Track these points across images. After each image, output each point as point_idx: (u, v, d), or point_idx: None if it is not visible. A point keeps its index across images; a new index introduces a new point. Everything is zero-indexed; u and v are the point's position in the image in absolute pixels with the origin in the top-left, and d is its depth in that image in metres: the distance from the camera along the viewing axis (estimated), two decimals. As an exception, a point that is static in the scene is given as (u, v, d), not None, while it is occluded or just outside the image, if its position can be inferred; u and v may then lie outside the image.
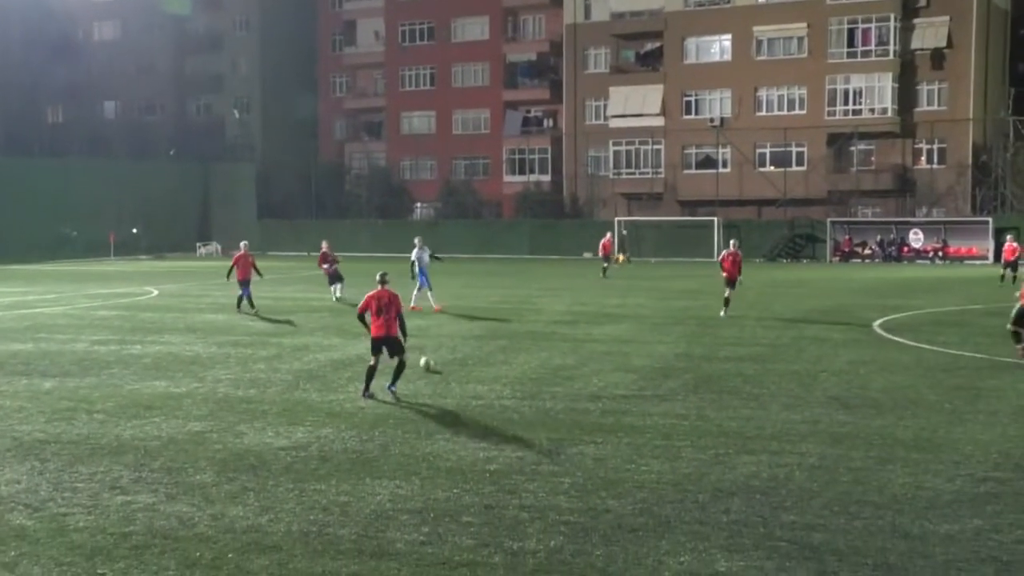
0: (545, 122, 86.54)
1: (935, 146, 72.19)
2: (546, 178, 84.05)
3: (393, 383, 17.28)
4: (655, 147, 79.22)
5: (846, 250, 64.10)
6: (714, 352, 22.42)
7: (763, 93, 76.54)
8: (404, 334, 17.37)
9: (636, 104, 79.39)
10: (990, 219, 62.60)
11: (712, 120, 75.92)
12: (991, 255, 59.44)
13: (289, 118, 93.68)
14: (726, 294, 29.63)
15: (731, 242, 30.92)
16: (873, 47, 72.89)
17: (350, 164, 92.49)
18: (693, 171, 78.23)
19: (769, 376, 19.08)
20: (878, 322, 27.25)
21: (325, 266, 36.13)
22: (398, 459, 12.94)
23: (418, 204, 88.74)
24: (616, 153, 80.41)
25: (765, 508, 10.71)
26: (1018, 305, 20.87)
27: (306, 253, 72.13)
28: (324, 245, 36.82)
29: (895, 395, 17.08)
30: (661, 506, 10.84)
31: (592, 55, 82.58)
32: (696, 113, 78.38)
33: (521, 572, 9.00)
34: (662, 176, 78.66)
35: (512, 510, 10.74)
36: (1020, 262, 40.49)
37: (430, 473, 12.23)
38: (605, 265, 49.60)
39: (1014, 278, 38.79)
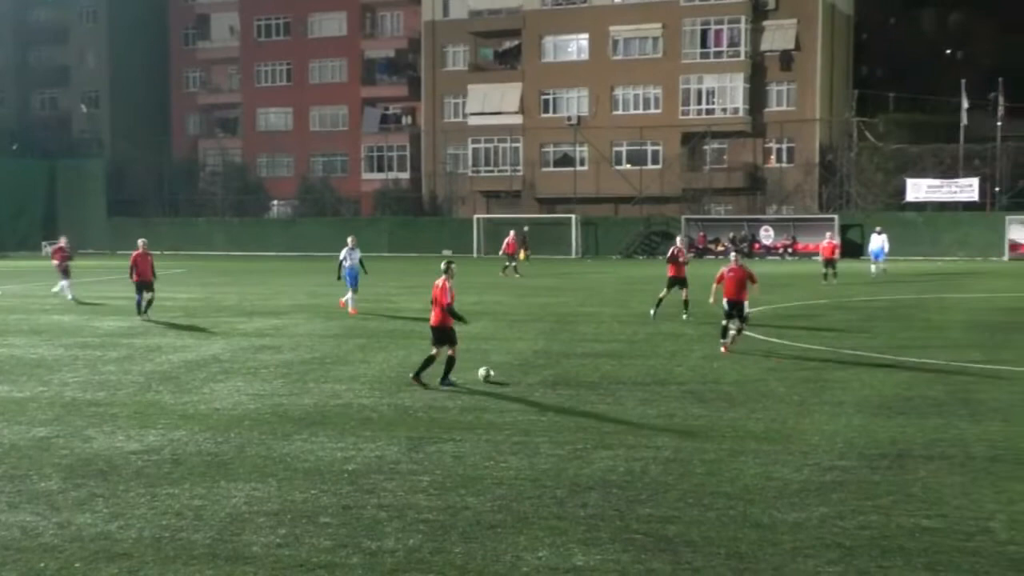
0: (404, 119, 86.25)
1: (784, 145, 74.35)
2: (405, 175, 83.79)
3: (444, 378, 17.71)
4: (513, 145, 79.70)
5: (700, 247, 65.51)
6: (572, 348, 22.65)
7: (619, 92, 77.69)
8: (459, 318, 17.82)
9: (495, 102, 79.74)
10: (836, 216, 64.73)
11: (570, 118, 76.70)
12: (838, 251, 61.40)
13: (140, 113, 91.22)
14: (660, 295, 28.12)
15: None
16: (725, 48, 74.69)
17: (204, 161, 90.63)
18: (551, 169, 78.97)
19: (626, 371, 19.37)
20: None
21: (56, 262, 35.00)
22: (254, 461, 12.73)
23: (275, 202, 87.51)
24: (475, 151, 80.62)
25: (621, 501, 10.86)
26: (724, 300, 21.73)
27: (159, 252, 70.37)
28: (62, 240, 35.99)
29: (747, 388, 17.52)
30: (520, 502, 10.89)
31: (451, 52, 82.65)
32: (554, 111, 79.12)
33: (379, 572, 8.94)
34: (520, 174, 79.21)
35: (371, 510, 10.66)
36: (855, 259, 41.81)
37: (287, 474, 12.06)
38: (508, 264, 48.75)
39: (834, 274, 39.99)
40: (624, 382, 18.21)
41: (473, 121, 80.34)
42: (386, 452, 13.12)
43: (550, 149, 79.49)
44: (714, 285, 22.27)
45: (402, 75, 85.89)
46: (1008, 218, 62.19)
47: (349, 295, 30.27)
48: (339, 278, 30.63)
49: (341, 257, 30.62)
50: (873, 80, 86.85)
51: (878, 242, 44.74)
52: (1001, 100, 67.23)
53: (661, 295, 28.20)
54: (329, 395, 17.14)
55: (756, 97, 74.45)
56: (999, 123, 66.98)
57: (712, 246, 65.74)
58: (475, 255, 68.55)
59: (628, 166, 75.71)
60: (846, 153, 70.80)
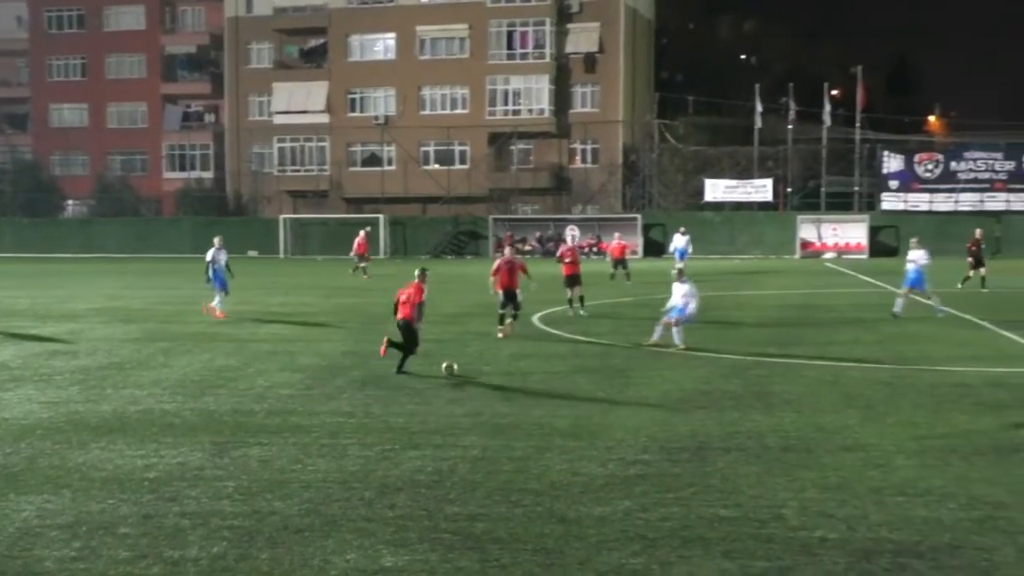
0: (207, 117, 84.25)
1: (589, 146, 75.89)
2: (208, 175, 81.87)
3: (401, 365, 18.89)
4: (320, 144, 78.92)
5: (507, 246, 66.02)
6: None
7: (427, 92, 77.85)
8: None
9: (301, 101, 78.76)
10: (639, 216, 66.45)
11: (377, 118, 76.46)
12: (640, 250, 63.17)
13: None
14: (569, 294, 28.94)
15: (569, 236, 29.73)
16: (531, 50, 75.75)
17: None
18: (359, 168, 78.53)
19: (434, 371, 19.36)
20: (537, 316, 28.26)
21: None
22: (47, 472, 12.18)
23: (70, 201, 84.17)
24: (281, 150, 79.46)
25: (430, 501, 10.86)
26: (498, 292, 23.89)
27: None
28: None
29: (553, 385, 17.78)
30: (328, 505, 10.77)
31: (255, 50, 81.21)
32: (361, 111, 78.69)
33: (182, 582, 8.69)
34: (327, 173, 78.47)
35: (173, 518, 10.35)
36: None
37: (83, 484, 11.60)
38: (358, 265, 47.64)
39: (627, 275, 40.45)
40: (432, 381, 18.23)
41: (279, 120, 79.14)
42: (189, 458, 12.77)
43: (357, 149, 79.02)
44: (491, 278, 24.56)
45: (204, 72, 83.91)
46: (799, 217, 65.04)
47: (217, 299, 29.10)
48: (208, 281, 29.47)
49: (208, 259, 29.41)
50: (673, 83, 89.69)
51: (681, 241, 46.01)
52: (792, 104, 70.26)
53: (568, 295, 29.24)
54: (129, 401, 16.56)
55: (561, 98, 75.77)
56: (790, 126, 70.00)
57: (519, 245, 66.48)
58: (281, 256, 67.45)
59: (436, 166, 75.92)
60: (648, 154, 72.74)
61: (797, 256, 62.97)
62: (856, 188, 68.01)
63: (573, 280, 28.87)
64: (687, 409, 15.62)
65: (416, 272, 19.87)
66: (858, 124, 69.43)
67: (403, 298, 19.45)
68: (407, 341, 19.33)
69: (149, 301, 34.65)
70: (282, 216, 71.29)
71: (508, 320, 24.31)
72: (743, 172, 68.94)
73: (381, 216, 68.57)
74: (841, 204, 67.36)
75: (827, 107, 69.87)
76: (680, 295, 21.94)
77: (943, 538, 9.56)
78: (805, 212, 66.25)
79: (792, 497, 10.89)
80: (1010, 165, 64.04)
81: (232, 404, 16.26)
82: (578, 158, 76.43)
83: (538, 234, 67.37)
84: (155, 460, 12.68)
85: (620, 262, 40.89)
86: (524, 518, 10.29)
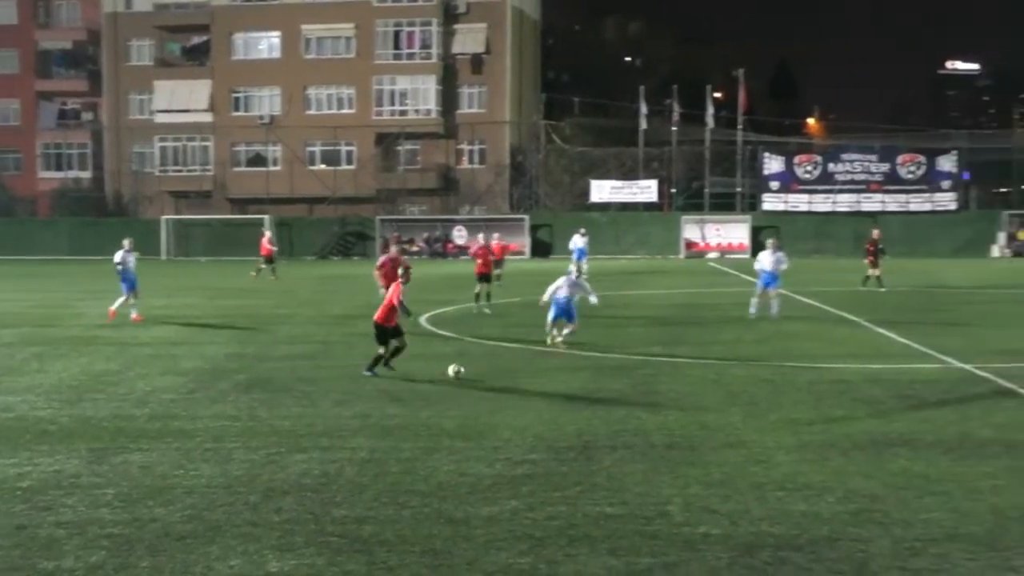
0: (84, 115, 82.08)
1: (476, 147, 76.04)
2: (87, 174, 79.85)
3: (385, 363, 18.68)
4: (203, 144, 77.65)
5: (394, 244, 65.72)
6: (267, 351, 22.25)
7: (312, 92, 77.13)
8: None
9: (183, 99, 77.34)
10: (527, 216, 66.75)
11: (262, 117, 75.49)
12: (528, 251, 63.50)
13: None
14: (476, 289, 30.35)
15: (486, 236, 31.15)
16: (417, 50, 75.60)
17: None
18: (243, 169, 77.45)
19: (321, 373, 19.20)
20: (425, 316, 28.19)
21: None
22: (-85, 482, 11.74)
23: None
24: (163, 149, 77.96)
25: (316, 505, 10.75)
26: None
27: None
28: None
29: (440, 386, 17.74)
30: (211, 510, 10.58)
31: (135, 47, 79.48)
32: (246, 110, 77.64)
33: (58, 593, 8.45)
34: (211, 173, 77.22)
35: (48, 528, 10.05)
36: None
37: (-47, 495, 11.19)
38: (262, 266, 46.59)
39: (498, 276, 39.71)
40: (319, 384, 18.05)
41: (160, 119, 77.59)
42: (66, 466, 12.41)
43: (242, 148, 77.93)
44: (375, 271, 25.69)
45: (82, 69, 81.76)
46: (683, 218, 66.08)
47: (121, 300, 28.09)
48: (123, 281, 28.38)
49: (117, 261, 28.38)
50: (560, 84, 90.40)
51: (580, 242, 46.35)
52: (676, 106, 71.35)
53: (476, 290, 30.46)
54: (0, 408, 16.05)
55: (448, 99, 75.76)
56: (674, 128, 71.07)
57: (407, 246, 66.20)
58: (163, 257, 66.06)
59: (322, 166, 75.23)
60: (535, 155, 73.15)
61: (682, 256, 63.93)
62: (738, 189, 69.33)
63: (484, 278, 30.37)
64: (574, 408, 15.73)
65: (400, 271, 20.03)
66: (740, 126, 70.83)
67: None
68: (397, 339, 18.96)
69: (23, 304, 33.65)
70: (164, 217, 69.84)
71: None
72: (628, 173, 69.75)
73: (267, 217, 67.58)
74: (724, 205, 68.62)
75: (710, 109, 71.15)
76: (567, 291, 22.04)
77: (821, 531, 9.79)
78: (689, 213, 67.33)
79: (677, 494, 11.04)
80: (885, 167, 65.93)
81: (111, 409, 15.88)
82: (465, 159, 76.50)
83: (425, 235, 67.22)
84: (29, 468, 12.31)
85: (498, 262, 40.38)
86: (412, 519, 10.25)
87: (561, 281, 22.12)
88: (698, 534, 9.72)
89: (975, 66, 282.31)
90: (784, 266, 28.14)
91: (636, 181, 68.35)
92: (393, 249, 26.81)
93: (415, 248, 65.48)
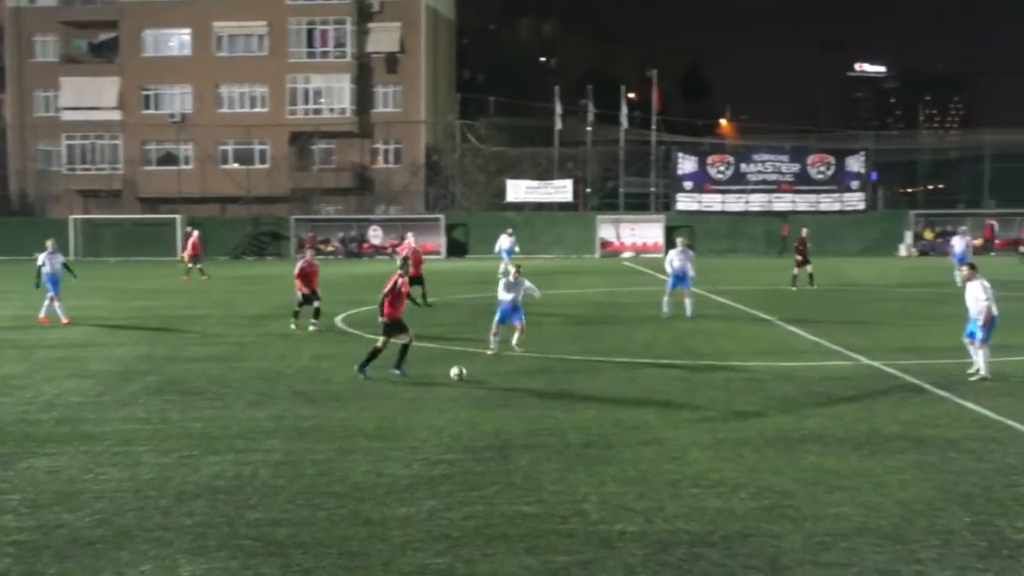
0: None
1: (391, 146, 75.68)
2: (-10, 173, 77.82)
3: (398, 366, 18.41)
4: (112, 142, 76.25)
5: (310, 247, 65.18)
6: (178, 352, 21.92)
7: (225, 90, 76.15)
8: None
9: (91, 96, 75.80)
10: (442, 216, 66.61)
11: (173, 116, 74.30)
12: (443, 251, 63.43)
13: None
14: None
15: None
16: (331, 48, 75.00)
17: None
18: (154, 168, 76.17)
19: (235, 374, 18.96)
20: (340, 317, 28.00)
21: None
22: None
23: None
24: (70, 147, 76.35)
25: (230, 508, 10.60)
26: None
27: None
28: None
29: (357, 387, 17.63)
30: (121, 515, 10.38)
31: (39, 42, 77.68)
32: (156, 108, 76.39)
33: (-38, 603, 8.22)
34: (121, 172, 75.84)
35: (-49, 536, 9.78)
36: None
37: None
38: (191, 266, 45.23)
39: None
40: (233, 385, 17.82)
41: (67, 116, 75.94)
42: (-30, 472, 12.10)
43: (152, 147, 76.63)
44: (296, 280, 25.40)
45: (-16, 65, 79.71)
46: (599, 218, 66.48)
47: (48, 303, 27.39)
48: (38, 286, 27.88)
49: (39, 263, 27.79)
50: (475, 84, 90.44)
51: (507, 242, 46.39)
52: (591, 107, 71.78)
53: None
54: (-98, 413, 15.59)
55: (363, 98, 75.29)
56: (589, 128, 71.49)
57: (322, 246, 65.74)
58: (71, 257, 64.58)
59: (235, 165, 74.31)
60: (450, 155, 73.04)
61: (597, 255, 64.30)
62: (652, 189, 69.98)
63: (416, 280, 29.81)
64: (490, 407, 15.74)
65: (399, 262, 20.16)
66: (654, 127, 71.49)
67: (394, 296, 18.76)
68: (400, 331, 18.69)
69: (-74, 306, 32.71)
70: (72, 216, 68.36)
71: (307, 319, 25.17)
72: (544, 173, 69.99)
73: (178, 216, 66.51)
74: (638, 204, 69.21)
75: (624, 110, 71.72)
76: (508, 293, 21.39)
77: (735, 527, 9.91)
78: (604, 212, 67.76)
79: (593, 492, 11.10)
80: (795, 167, 67.01)
81: (17, 413, 15.50)
82: (381, 158, 76.10)
83: (341, 235, 66.75)
84: (-68, 474, 11.97)
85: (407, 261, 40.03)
86: (327, 521, 10.16)
87: (501, 285, 21.51)
88: (614, 532, 9.78)
89: (882, 68, 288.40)
90: (690, 265, 28.02)
91: (551, 181, 68.60)
92: (308, 253, 26.71)
93: (330, 248, 64.98)
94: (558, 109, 70.96)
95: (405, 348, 18.61)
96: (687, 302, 27.77)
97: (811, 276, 36.44)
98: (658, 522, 10.07)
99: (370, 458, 12.63)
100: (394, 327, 18.52)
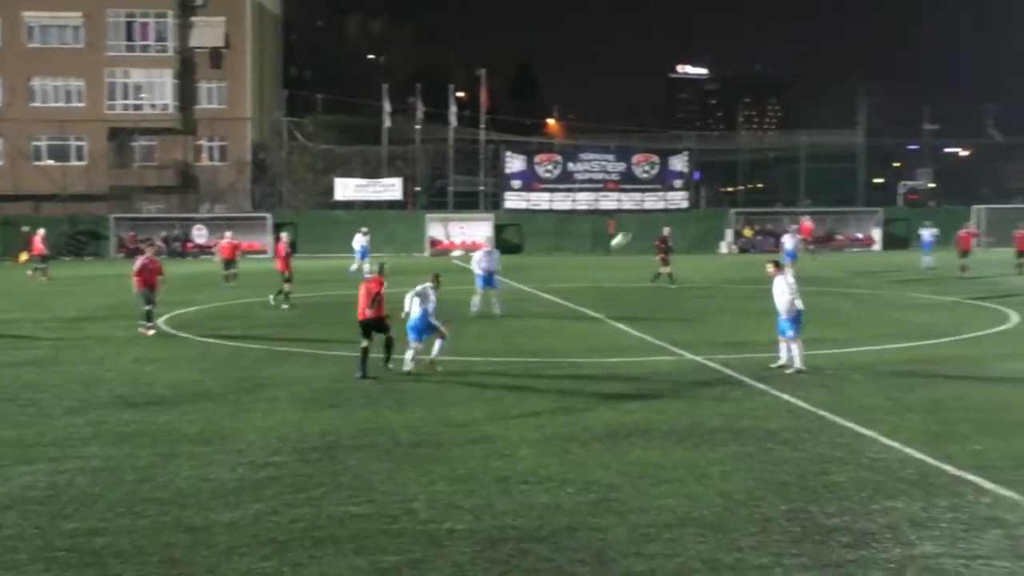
0: None
1: (216, 144, 74.07)
2: None
3: (387, 360, 18.45)
4: (-85, 136, 72.37)
5: (131, 247, 63.33)
6: (-12, 357, 20.96)
7: (37, 83, 73.19)
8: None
9: None
10: (269, 215, 65.49)
11: (-19, 109, 71.01)
12: (270, 249, 62.33)
13: None
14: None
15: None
16: (152, 42, 73.03)
17: None
18: (-38, 164, 72.63)
19: (51, 379, 18.25)
20: (164, 318, 27.26)
21: None
22: None
23: None
24: None
25: (43, 518, 10.18)
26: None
27: None
28: None
29: (181, 390, 17.18)
30: (-75, 530, 9.86)
31: None
32: (-37, 101, 72.84)
33: None
34: (-74, 168, 72.07)
35: None
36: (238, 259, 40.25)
37: None
38: (36, 267, 43.23)
39: (235, 275, 38.51)
40: (49, 391, 17.14)
41: None
42: None
43: (-41, 142, 73.13)
44: (135, 278, 24.65)
45: None
46: (427, 216, 66.47)
47: None
48: None
49: None
50: (302, 81, 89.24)
51: (363, 241, 45.92)
52: (420, 105, 71.70)
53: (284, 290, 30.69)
54: None
55: (186, 94, 73.49)
56: (418, 127, 71.40)
57: (142, 246, 63.77)
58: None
59: (50, 162, 71.50)
60: (277, 152, 71.91)
61: (427, 254, 64.27)
62: (481, 188, 70.35)
63: (285, 278, 30.94)
64: (319, 408, 15.56)
65: (375, 267, 19.44)
66: (483, 126, 71.86)
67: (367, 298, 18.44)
68: (380, 330, 18.60)
69: None
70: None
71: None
72: (373, 171, 69.60)
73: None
74: (468, 203, 69.47)
75: (453, 108, 71.87)
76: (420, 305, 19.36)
77: (562, 521, 10.03)
78: (433, 211, 67.79)
79: (422, 491, 11.08)
80: (621, 166, 68.35)
81: None
82: (205, 155, 74.35)
83: (164, 234, 64.89)
84: None
85: (230, 263, 39.16)
86: (149, 529, 9.86)
87: (408, 298, 19.00)
88: (443, 530, 9.78)
89: (704, 70, 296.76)
90: (486, 266, 27.93)
91: (380, 179, 68.26)
92: (149, 251, 26.10)
93: (151, 248, 63.04)
94: (387, 107, 70.63)
95: (389, 345, 18.69)
96: (494, 301, 27.87)
97: (670, 275, 36.78)
98: (487, 519, 10.12)
99: (194, 463, 12.33)
100: (371, 326, 18.43)
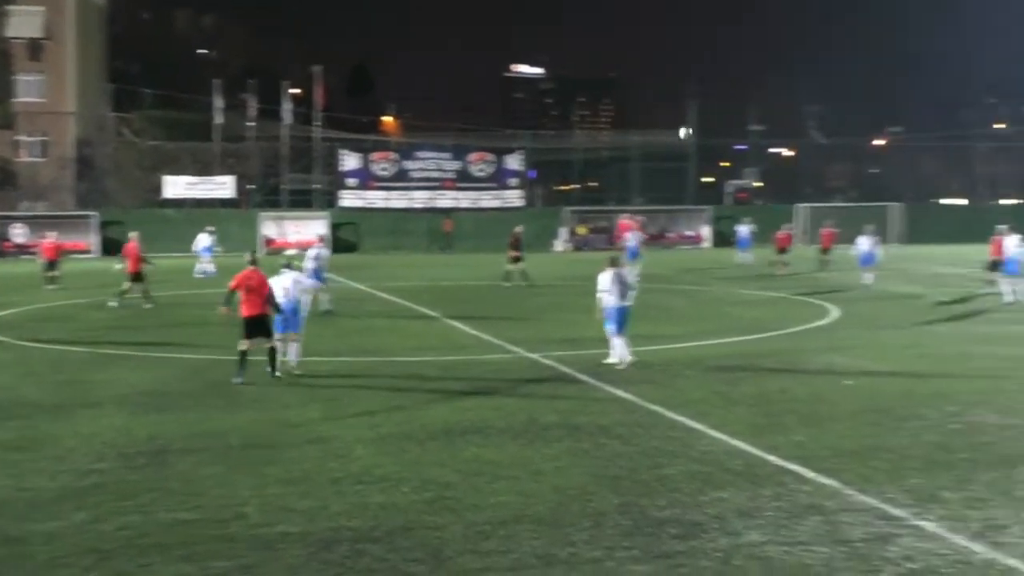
0: None
1: (37, 139, 71.36)
2: None
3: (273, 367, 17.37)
4: None
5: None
6: None
7: None
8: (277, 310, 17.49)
9: None
10: (95, 213, 63.29)
11: None
12: (98, 249, 60.31)
13: None
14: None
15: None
16: (-32, 33, 69.79)
17: None
18: None
19: None
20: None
21: None
22: None
23: None
24: None
25: None
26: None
27: None
28: None
29: (-4, 396, 16.46)
30: None
31: None
32: None
33: None
34: None
35: None
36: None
37: None
38: None
39: (58, 276, 36.75)
40: None
41: None
42: None
43: None
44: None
45: None
46: (261, 215, 65.31)
47: None
48: None
49: None
50: (129, 75, 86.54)
51: (207, 240, 44.86)
52: (253, 101, 70.43)
53: (124, 287, 29.97)
54: None
55: (2, 87, 70.44)
56: (251, 123, 70.12)
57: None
58: None
59: None
60: (103, 148, 69.58)
61: (262, 253, 63.13)
62: (316, 186, 69.52)
63: (136, 277, 30.38)
64: (146, 412, 15.10)
65: (248, 258, 18.19)
66: (317, 123, 71.01)
67: (247, 292, 17.32)
68: (263, 334, 17.56)
69: None
70: None
71: None
72: (204, 169, 68.01)
73: None
74: (303, 201, 68.58)
75: (287, 105, 70.82)
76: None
77: (398, 521, 9.96)
78: (268, 209, 66.66)
79: (255, 494, 10.85)
80: (457, 165, 68.48)
81: None
82: (25, 151, 71.43)
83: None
84: None
85: (52, 264, 37.54)
86: (-39, 543, 9.40)
87: (278, 278, 18.30)
88: (275, 533, 9.59)
89: (539, 70, 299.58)
90: (312, 265, 27.61)
91: (213, 177, 66.75)
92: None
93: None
94: (218, 103, 69.15)
95: (272, 353, 17.71)
96: (322, 298, 27.40)
97: (523, 272, 36.82)
98: (321, 521, 9.97)
99: (9, 472, 11.80)
100: (260, 327, 17.59)
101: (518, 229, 39.17)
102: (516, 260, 37.22)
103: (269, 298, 17.55)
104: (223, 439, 13.38)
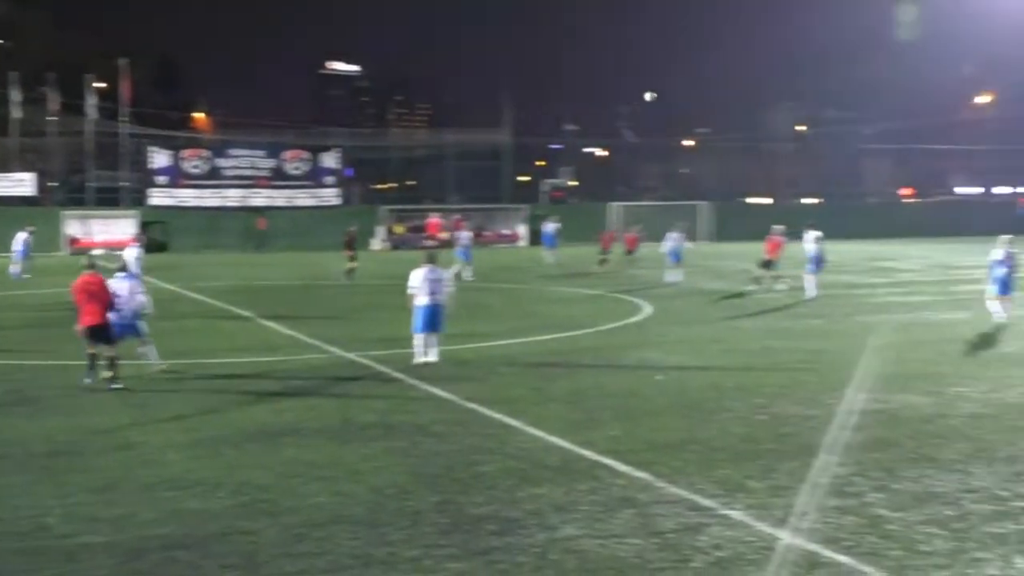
0: None
1: None
2: None
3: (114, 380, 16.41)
4: None
5: None
6: None
7: None
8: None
9: None
10: None
11: None
12: None
13: None
14: None
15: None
16: None
17: None
18: None
19: None
20: None
21: None
22: None
23: None
24: None
25: None
26: None
27: None
28: None
29: None
30: None
31: None
32: None
33: None
34: None
35: None
36: None
37: None
38: None
39: None
40: None
41: None
42: None
43: None
44: None
45: None
46: (64, 213, 62.89)
47: None
48: None
49: None
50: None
51: (20, 241, 42.89)
52: (53, 95, 67.72)
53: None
54: None
55: None
56: (53, 118, 67.41)
57: None
58: None
59: None
60: None
61: (66, 253, 60.81)
62: (124, 183, 67.36)
63: None
64: (-60, 421, 14.35)
65: (85, 262, 17.59)
66: (124, 118, 68.77)
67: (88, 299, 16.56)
68: (106, 340, 16.74)
69: None
70: None
71: None
72: (1, 165, 65.04)
73: None
74: (110, 199, 66.38)
75: (92, 100, 68.35)
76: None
77: (212, 527, 9.73)
78: (71, 208, 64.21)
79: (58, 504, 10.44)
80: (272, 163, 67.47)
81: None
82: None
83: None
84: None
85: None
86: None
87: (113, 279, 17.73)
88: (79, 544, 9.24)
89: (356, 68, 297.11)
90: (135, 267, 26.89)
91: (10, 174, 63.93)
92: None
93: None
94: (16, 96, 66.21)
95: (113, 362, 16.76)
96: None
97: (352, 271, 37.45)
98: (130, 529, 9.66)
99: None
100: (103, 334, 16.73)
101: (352, 228, 39.79)
102: (352, 258, 37.95)
103: (110, 305, 16.94)
104: (25, 446, 12.83)
